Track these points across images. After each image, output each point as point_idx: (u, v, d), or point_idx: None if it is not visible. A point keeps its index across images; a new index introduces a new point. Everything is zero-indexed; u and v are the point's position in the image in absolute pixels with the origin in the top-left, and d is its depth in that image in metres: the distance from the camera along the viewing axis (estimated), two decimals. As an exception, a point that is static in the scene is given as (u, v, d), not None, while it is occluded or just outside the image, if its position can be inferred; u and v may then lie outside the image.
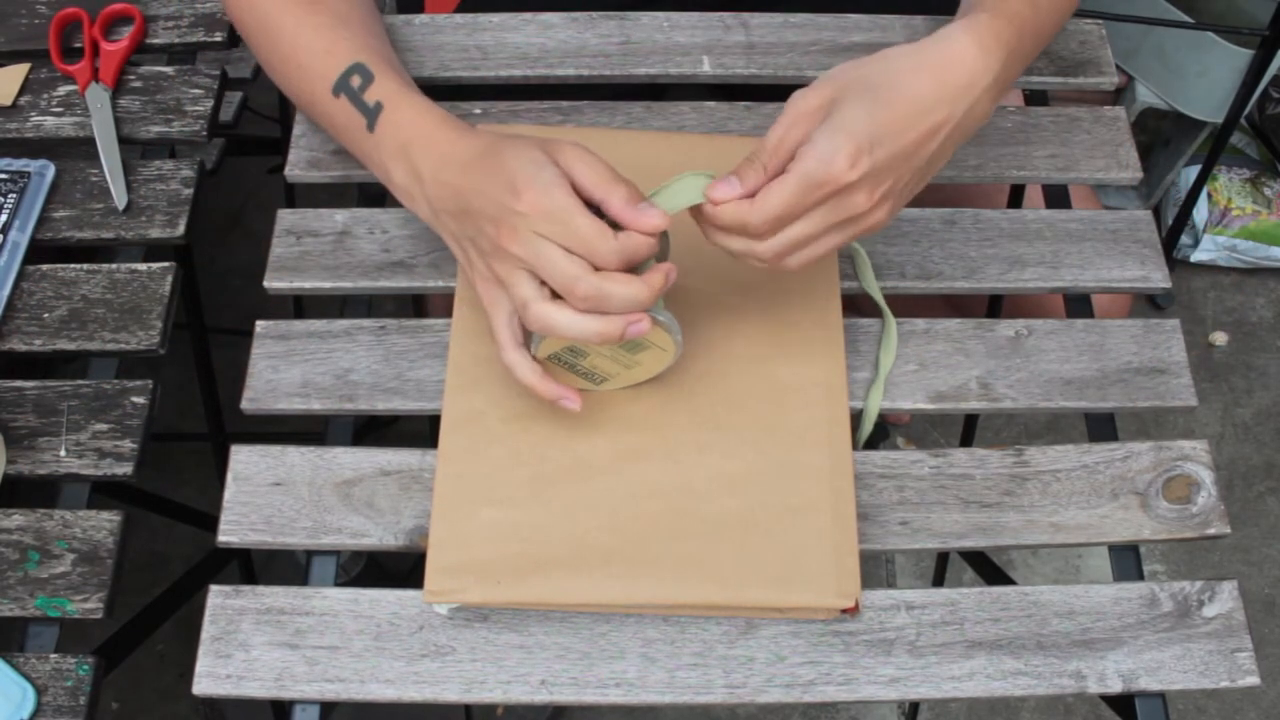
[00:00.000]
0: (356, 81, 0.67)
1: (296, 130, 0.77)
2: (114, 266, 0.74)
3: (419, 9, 0.89)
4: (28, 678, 0.61)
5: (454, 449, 0.64)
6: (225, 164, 1.26)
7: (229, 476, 0.65)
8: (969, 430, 1.14)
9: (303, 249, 0.72)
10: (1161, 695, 0.62)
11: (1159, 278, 0.74)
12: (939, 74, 0.59)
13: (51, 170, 0.77)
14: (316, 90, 0.69)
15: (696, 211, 0.60)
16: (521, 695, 0.60)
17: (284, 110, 1.38)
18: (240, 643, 0.61)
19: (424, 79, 0.80)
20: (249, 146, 1.43)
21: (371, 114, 0.66)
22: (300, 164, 0.76)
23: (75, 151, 0.79)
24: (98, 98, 0.80)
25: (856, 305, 0.72)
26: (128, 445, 0.67)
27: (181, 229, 0.76)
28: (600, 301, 0.57)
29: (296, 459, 0.66)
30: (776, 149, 0.58)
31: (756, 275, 0.70)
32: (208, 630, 0.61)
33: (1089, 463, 0.67)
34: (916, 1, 0.85)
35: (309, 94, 0.70)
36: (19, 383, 0.70)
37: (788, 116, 0.58)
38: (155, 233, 0.75)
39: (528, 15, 0.82)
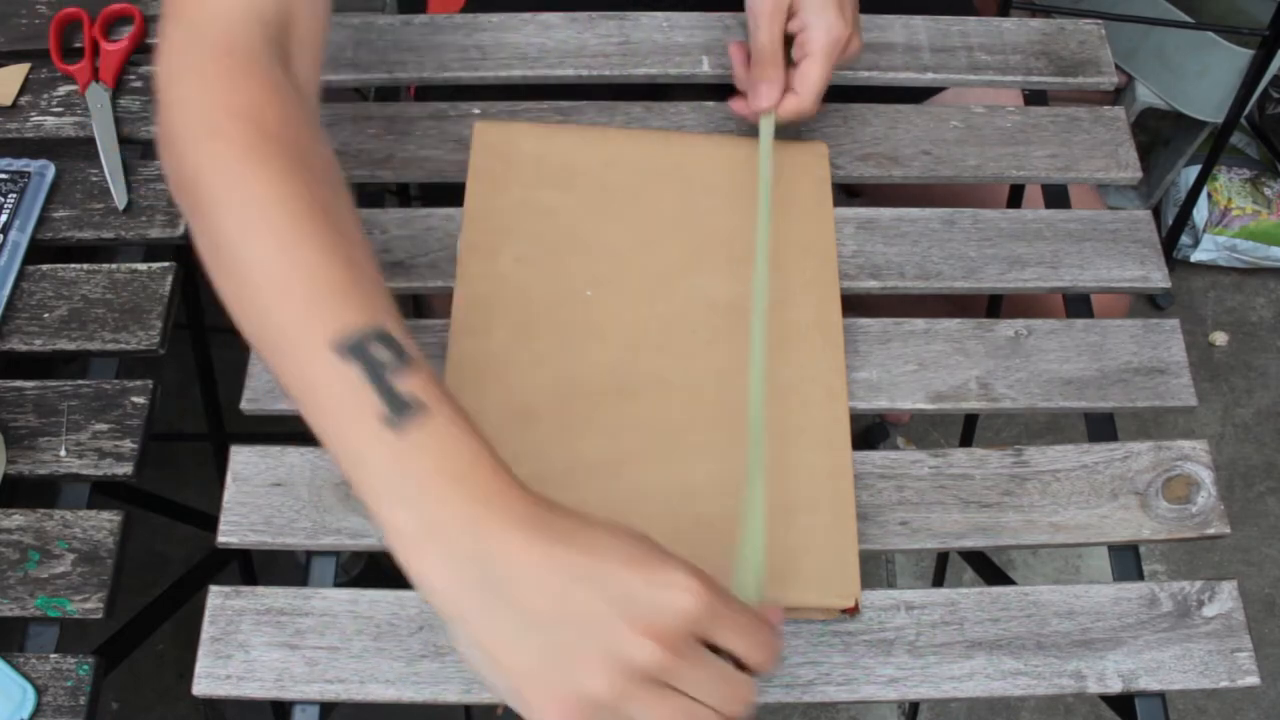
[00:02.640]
0: (381, 354, 0.46)
1: (296, 130, 0.77)
2: (114, 266, 0.74)
3: (421, 9, 0.89)
4: (28, 678, 0.61)
5: (454, 449, 0.64)
6: None
7: (229, 477, 0.65)
8: (969, 430, 1.14)
9: (303, 249, 0.72)
10: (1161, 695, 0.62)
11: (1159, 278, 0.74)
12: None
13: (51, 170, 0.77)
14: (303, 334, 0.47)
15: (742, 105, 0.74)
16: (521, 695, 0.60)
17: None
18: (240, 643, 0.61)
19: (424, 79, 0.80)
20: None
21: (401, 409, 0.45)
22: (300, 164, 0.76)
23: (75, 151, 0.79)
24: (98, 98, 0.80)
25: (857, 305, 0.72)
26: (128, 445, 0.67)
27: (181, 229, 0.76)
28: None
29: (296, 459, 0.66)
30: (774, 53, 0.72)
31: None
32: (208, 630, 0.61)
33: (1089, 463, 0.67)
34: (916, 1, 0.86)
35: (277, 329, 0.48)
36: (19, 383, 0.70)
37: (762, 25, 0.71)
38: (155, 233, 0.75)
39: (527, 15, 0.82)
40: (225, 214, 0.50)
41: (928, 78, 0.82)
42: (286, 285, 0.48)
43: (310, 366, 0.47)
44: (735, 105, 0.76)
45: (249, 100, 0.53)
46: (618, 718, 0.43)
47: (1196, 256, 1.65)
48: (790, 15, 0.71)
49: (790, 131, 0.78)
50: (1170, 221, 1.63)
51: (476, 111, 0.78)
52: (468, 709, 1.12)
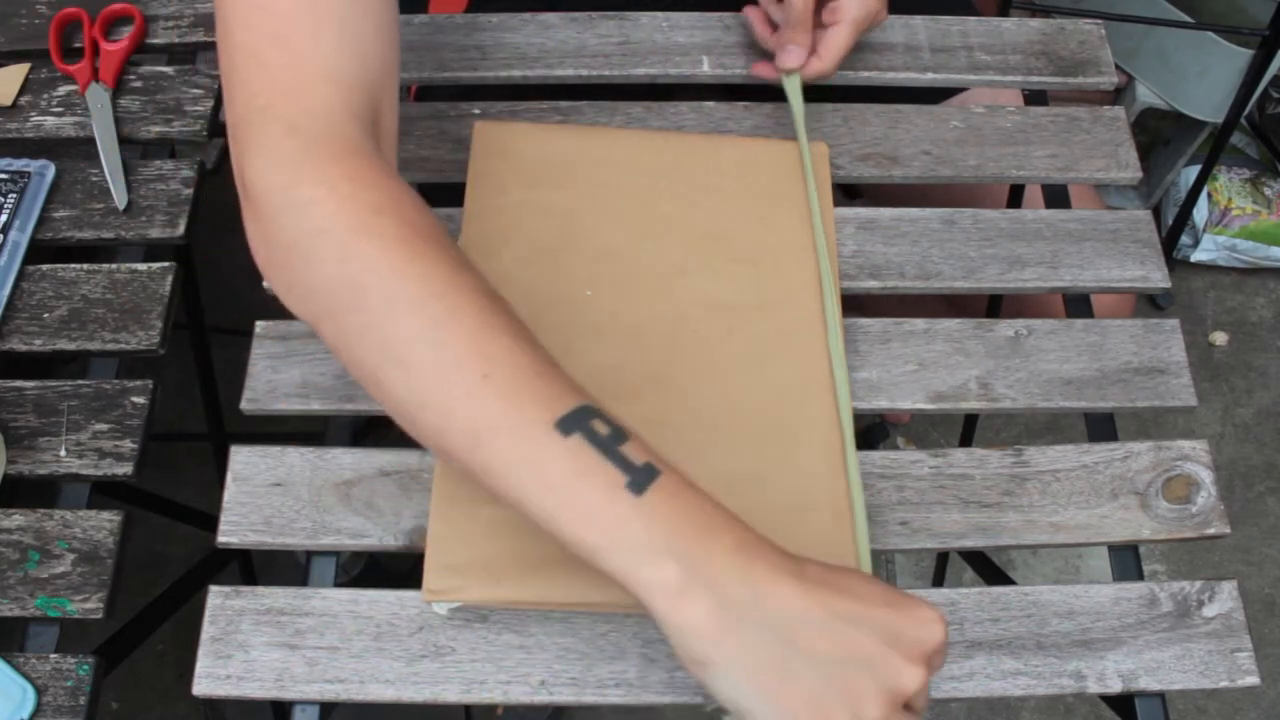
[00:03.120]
0: (602, 429, 0.48)
1: (296, 130, 0.77)
2: (114, 266, 0.74)
3: (421, 9, 0.89)
4: (28, 678, 0.61)
5: (454, 449, 0.64)
6: (225, 164, 1.26)
7: (229, 477, 0.65)
8: (969, 430, 1.14)
9: (303, 249, 0.72)
10: (1161, 695, 0.62)
11: (1159, 278, 0.74)
12: None
13: (51, 170, 0.77)
14: (518, 417, 0.48)
15: (767, 68, 0.78)
16: (521, 696, 0.60)
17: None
18: (240, 643, 0.61)
19: (424, 79, 0.80)
20: (249, 146, 1.42)
21: (638, 473, 0.48)
22: (300, 164, 0.76)
23: (75, 151, 0.79)
24: (98, 98, 0.80)
25: (857, 305, 0.72)
26: (128, 445, 0.67)
27: (181, 229, 0.76)
28: None
29: (296, 459, 0.66)
30: (807, 16, 0.75)
31: (756, 274, 0.70)
32: (207, 630, 0.61)
33: (1089, 463, 0.67)
34: (916, 1, 0.86)
35: (487, 417, 0.49)
36: (19, 383, 0.70)
37: None
38: (155, 233, 0.75)
39: (527, 15, 0.82)
40: (403, 313, 0.50)
41: (928, 78, 0.82)
42: (489, 374, 0.49)
43: (534, 447, 0.48)
44: (758, 69, 0.80)
45: (387, 197, 0.53)
46: None
47: (1196, 256, 1.65)
48: None
49: (791, 131, 0.78)
50: (1170, 221, 1.63)
51: (476, 111, 0.78)
52: (468, 709, 1.12)
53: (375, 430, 1.40)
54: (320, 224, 0.52)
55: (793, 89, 0.76)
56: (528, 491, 0.48)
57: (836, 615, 0.47)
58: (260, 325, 0.70)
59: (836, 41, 0.75)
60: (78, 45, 0.83)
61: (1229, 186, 1.61)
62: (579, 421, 0.48)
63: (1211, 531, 0.65)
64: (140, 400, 0.69)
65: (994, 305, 0.89)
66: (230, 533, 0.64)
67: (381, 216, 0.52)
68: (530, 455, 0.48)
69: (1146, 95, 1.50)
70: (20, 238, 0.74)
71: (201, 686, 0.60)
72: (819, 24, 0.76)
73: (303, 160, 0.53)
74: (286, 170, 0.53)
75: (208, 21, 0.85)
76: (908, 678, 0.47)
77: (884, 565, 1.44)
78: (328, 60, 0.55)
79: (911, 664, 0.47)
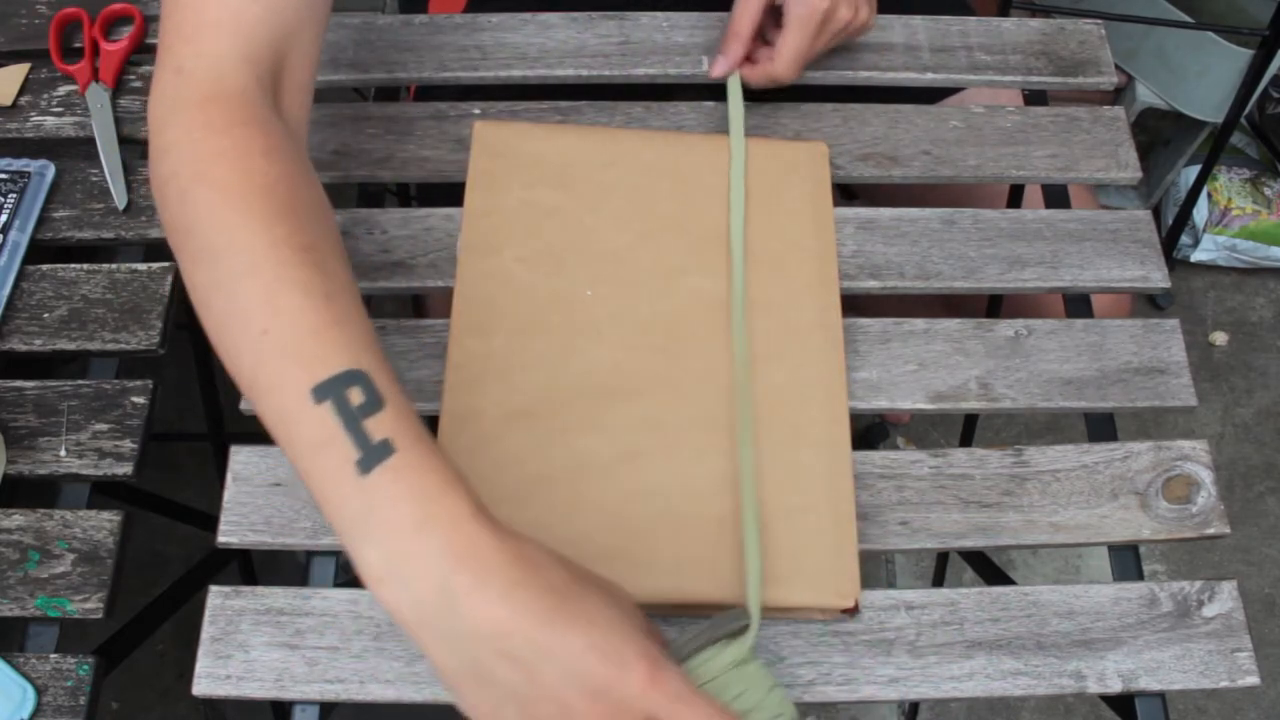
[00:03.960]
0: (356, 397, 0.48)
1: (296, 130, 0.77)
2: (114, 266, 0.74)
3: (421, 9, 0.89)
4: (28, 678, 0.61)
5: (454, 448, 0.64)
6: None
7: (229, 477, 0.65)
8: (969, 430, 1.14)
9: (303, 249, 0.72)
10: (1161, 695, 0.62)
11: (1159, 278, 0.74)
12: None
13: (51, 170, 0.77)
14: (282, 378, 0.49)
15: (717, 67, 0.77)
16: (521, 695, 0.60)
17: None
18: (240, 643, 0.61)
19: (424, 79, 0.80)
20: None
21: (372, 453, 0.47)
22: (300, 164, 0.76)
23: (75, 151, 0.79)
24: (98, 98, 0.80)
25: (856, 305, 0.72)
26: (128, 445, 0.67)
27: (181, 229, 0.76)
28: None
29: (296, 459, 0.66)
30: (741, 26, 0.75)
31: (756, 274, 0.70)
32: (208, 630, 0.61)
33: (1089, 463, 0.67)
34: (916, 1, 0.86)
35: (262, 372, 0.49)
36: (19, 383, 0.70)
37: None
38: (155, 233, 0.75)
39: (527, 15, 0.82)
40: (214, 261, 0.52)
41: (928, 78, 0.82)
42: (269, 331, 0.49)
43: (289, 410, 0.48)
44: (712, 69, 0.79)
45: (235, 144, 0.54)
46: None
47: (1196, 256, 1.65)
48: None
49: (790, 131, 0.78)
50: (1170, 221, 1.63)
51: (476, 111, 0.78)
52: (468, 709, 1.12)
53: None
54: (173, 167, 0.54)
55: (733, 89, 0.77)
56: (287, 454, 0.49)
57: (537, 649, 0.44)
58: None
59: (787, 43, 0.74)
60: (78, 45, 0.83)
61: (1229, 186, 1.61)
62: (335, 388, 0.48)
63: (1211, 531, 0.65)
64: (140, 400, 0.69)
65: (994, 305, 0.89)
66: (230, 533, 0.64)
67: (219, 163, 0.53)
68: (286, 418, 0.48)
69: (1146, 95, 1.50)
70: (20, 238, 0.74)
71: (201, 686, 0.60)
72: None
73: (177, 103, 0.56)
74: (163, 111, 0.56)
75: (208, 21, 0.85)
76: None
77: (884, 565, 1.45)
78: (231, 6, 0.57)
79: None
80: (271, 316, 0.49)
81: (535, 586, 0.45)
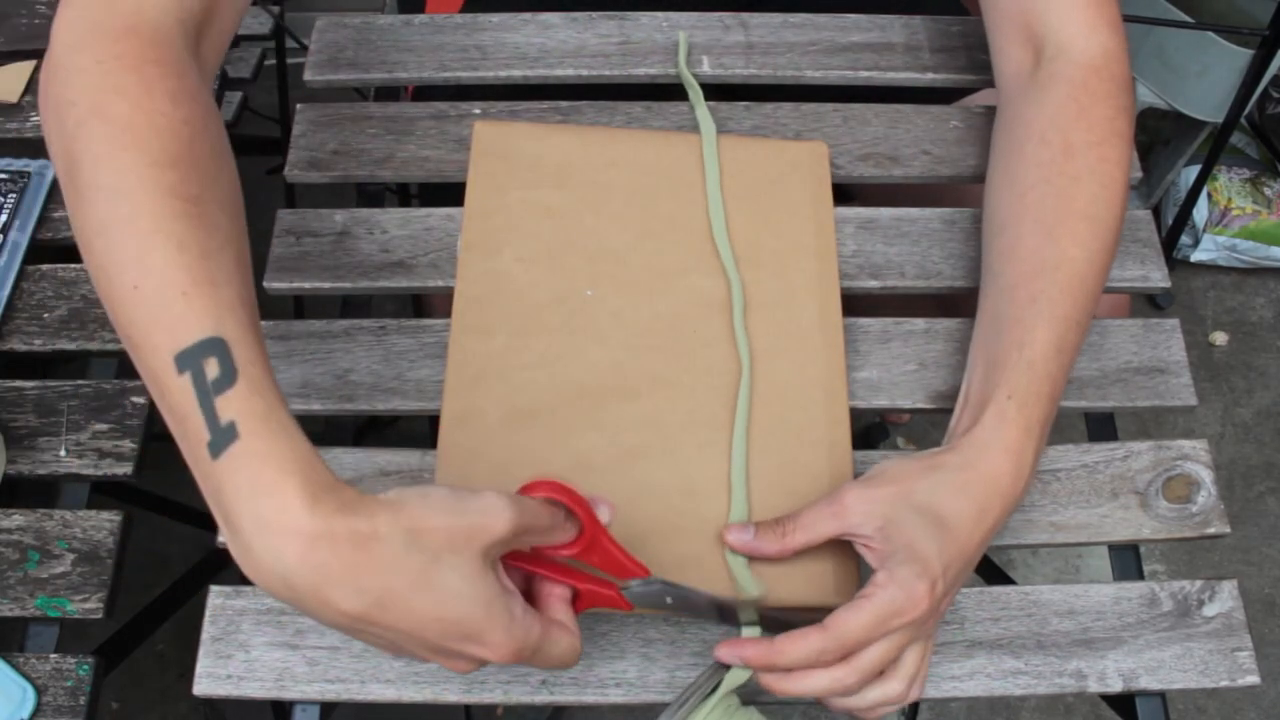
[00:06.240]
0: (212, 370, 0.46)
1: (296, 130, 0.77)
2: (114, 266, 0.74)
3: (420, 9, 0.89)
4: (28, 678, 0.61)
5: (454, 448, 0.64)
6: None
7: (229, 476, 0.65)
8: (969, 430, 1.14)
9: (302, 249, 0.73)
10: (1161, 695, 0.62)
11: (1159, 277, 0.74)
12: (982, 491, 0.58)
13: (51, 170, 0.77)
14: (150, 339, 0.48)
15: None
16: (521, 695, 0.60)
17: (284, 110, 1.38)
18: (240, 643, 0.61)
19: (424, 79, 0.80)
20: (248, 146, 1.42)
21: (220, 436, 0.46)
22: (300, 164, 0.76)
23: (75, 151, 0.79)
24: (98, 98, 0.80)
25: (857, 305, 0.72)
26: (128, 445, 0.67)
27: (181, 229, 0.76)
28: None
29: (296, 459, 0.66)
30: (806, 527, 0.58)
31: (756, 274, 0.70)
32: (208, 630, 0.61)
33: (1089, 462, 0.67)
34: (915, 1, 0.86)
35: (134, 330, 0.49)
36: (19, 383, 0.70)
37: (829, 508, 0.58)
38: (155, 233, 0.75)
39: (527, 15, 0.82)
40: (96, 200, 0.50)
41: (928, 78, 0.82)
42: (139, 287, 0.48)
43: (158, 375, 0.48)
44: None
45: (139, 82, 0.53)
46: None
47: (1196, 256, 1.65)
48: (866, 538, 0.57)
49: (790, 131, 0.78)
50: (1170, 221, 1.63)
51: (476, 111, 0.78)
52: (468, 709, 1.12)
53: (375, 430, 1.41)
54: (74, 95, 0.53)
55: (704, 125, 0.75)
56: (160, 411, 0.49)
57: (391, 629, 0.46)
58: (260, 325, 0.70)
59: (852, 622, 0.54)
60: (78, 45, 0.83)
61: (1229, 186, 1.61)
62: (195, 358, 0.47)
63: (1211, 531, 0.65)
64: (140, 400, 0.69)
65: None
66: (230, 533, 0.64)
67: (119, 100, 0.52)
68: (155, 382, 0.48)
69: (1146, 95, 1.50)
70: (20, 238, 0.74)
71: (201, 686, 0.60)
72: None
73: (93, 29, 0.54)
74: (77, 33, 0.55)
75: (208, 21, 0.85)
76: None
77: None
78: None
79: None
80: (143, 274, 0.48)
81: (373, 586, 0.45)
